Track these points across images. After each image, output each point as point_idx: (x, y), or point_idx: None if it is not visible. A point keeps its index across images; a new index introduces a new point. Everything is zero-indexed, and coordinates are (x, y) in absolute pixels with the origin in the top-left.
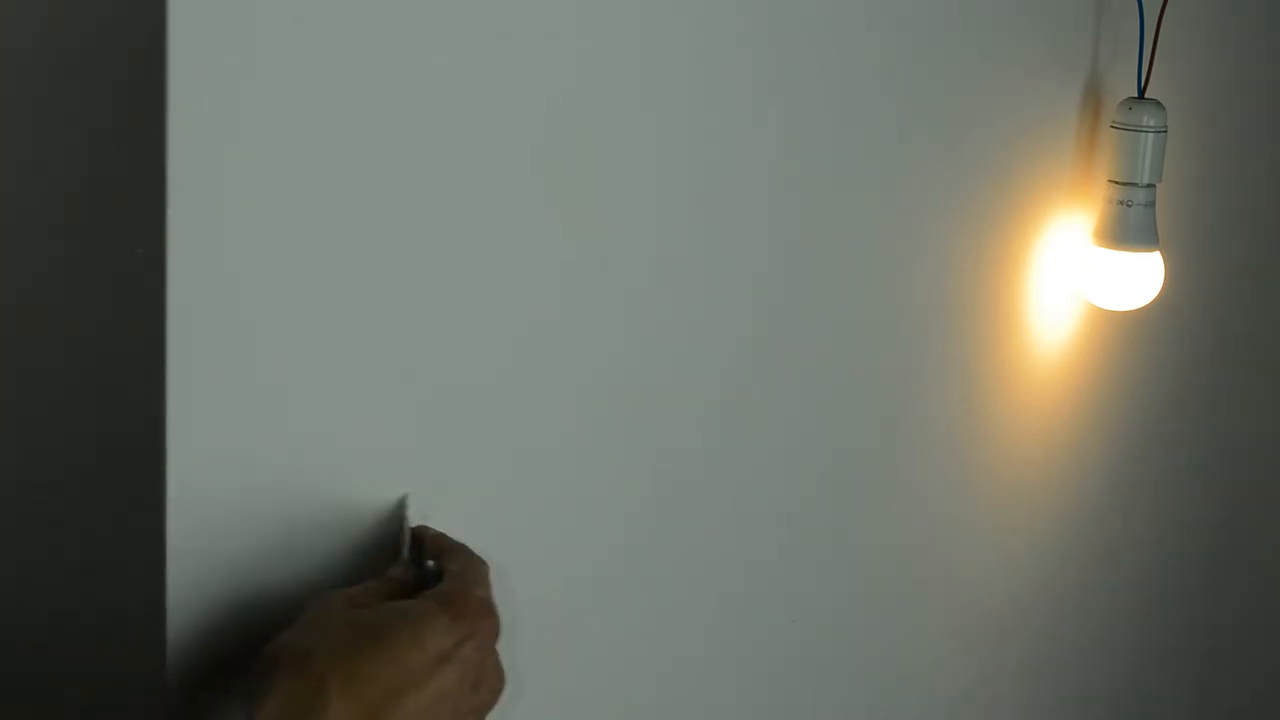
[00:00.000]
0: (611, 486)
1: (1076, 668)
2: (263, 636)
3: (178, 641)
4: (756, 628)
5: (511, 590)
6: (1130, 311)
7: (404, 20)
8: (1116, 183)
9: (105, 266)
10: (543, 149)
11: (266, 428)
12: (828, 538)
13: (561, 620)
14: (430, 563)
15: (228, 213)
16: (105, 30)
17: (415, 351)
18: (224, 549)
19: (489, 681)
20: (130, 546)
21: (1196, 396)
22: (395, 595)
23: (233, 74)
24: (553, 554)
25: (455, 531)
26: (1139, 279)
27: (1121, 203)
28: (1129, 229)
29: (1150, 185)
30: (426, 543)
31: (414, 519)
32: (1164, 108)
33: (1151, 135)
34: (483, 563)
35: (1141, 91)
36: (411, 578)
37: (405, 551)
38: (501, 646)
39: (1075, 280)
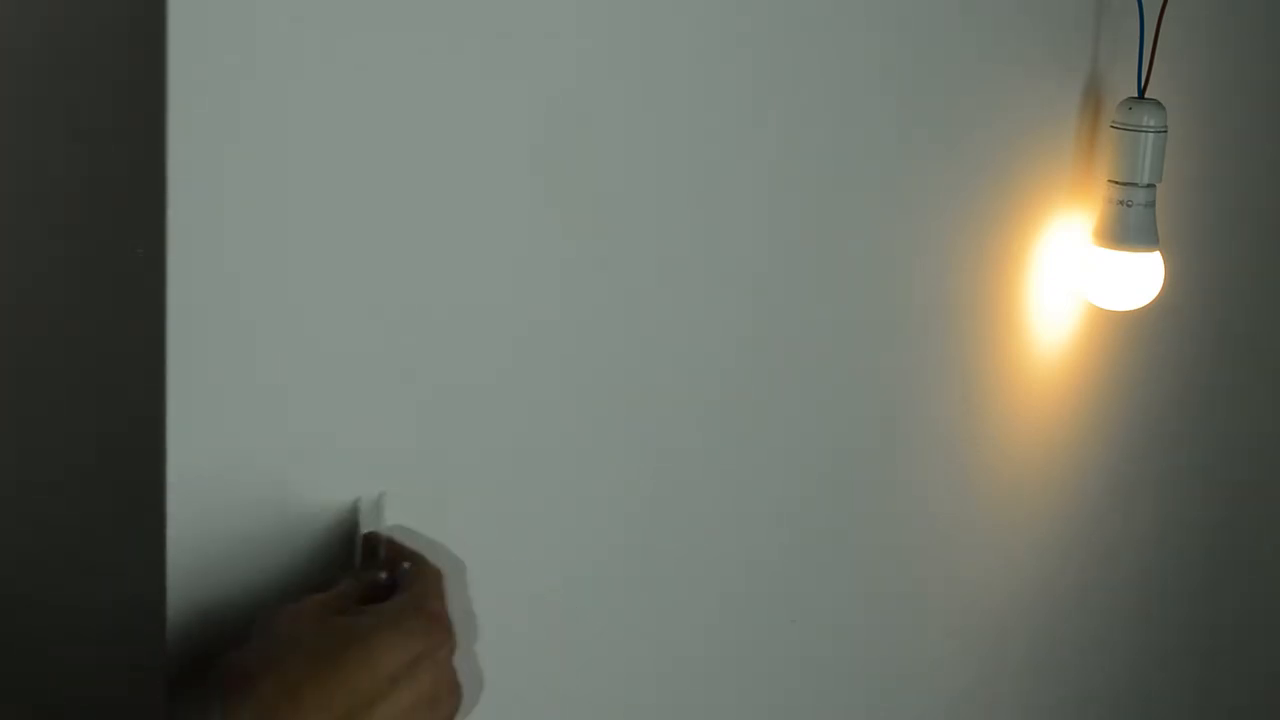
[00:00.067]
0: (611, 486)
1: (1076, 668)
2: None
3: (178, 641)
4: (756, 628)
5: (512, 590)
6: (1130, 311)
7: (404, 20)
8: (1116, 183)
9: (105, 266)
10: (543, 149)
11: (266, 428)
12: (828, 538)
13: (561, 620)
14: (383, 575)
15: (228, 213)
16: (105, 30)
17: (415, 351)
18: (224, 549)
19: (447, 698)
20: (130, 546)
21: (1196, 396)
22: (347, 609)
23: (233, 74)
24: (553, 554)
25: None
26: (1139, 279)
27: (1121, 203)
28: (1129, 229)
29: (1150, 185)
30: (381, 551)
31: (366, 524)
32: (1164, 108)
33: (1151, 135)
34: (439, 572)
35: (1141, 91)
36: (364, 590)
37: (357, 560)
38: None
39: (1075, 280)
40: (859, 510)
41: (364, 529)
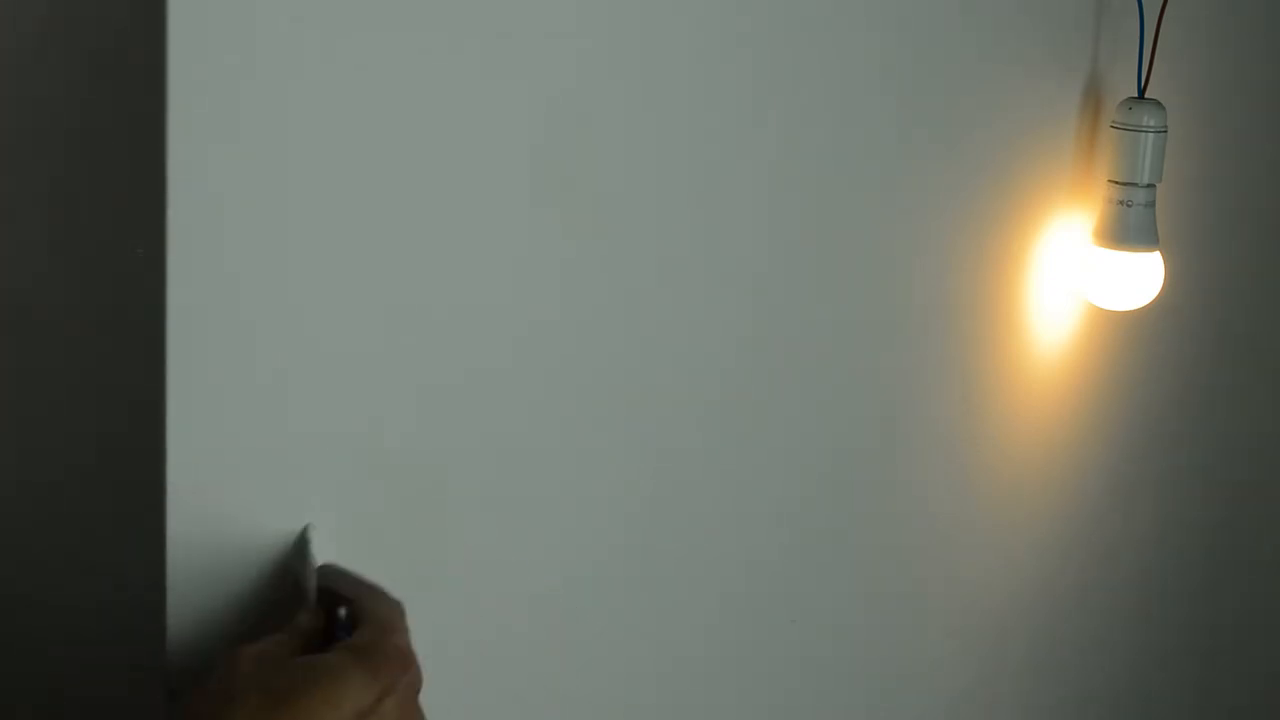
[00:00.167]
0: (611, 486)
1: (1076, 668)
2: (261, 637)
3: (178, 641)
4: (756, 628)
5: (512, 590)
6: (1130, 311)
7: (404, 20)
8: (1116, 183)
9: (105, 266)
10: (543, 149)
11: (266, 428)
12: (828, 538)
13: (561, 620)
14: (342, 611)
15: (228, 213)
16: (105, 30)
17: (415, 351)
18: (224, 548)
19: None
20: (130, 546)
21: (1196, 396)
22: (308, 648)
23: (233, 74)
24: (553, 554)
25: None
26: (1139, 279)
27: (1121, 203)
28: (1129, 229)
29: (1150, 185)
30: (336, 587)
31: (319, 554)
32: (1164, 108)
33: (1151, 135)
34: (397, 605)
35: (1141, 91)
36: (322, 626)
37: (311, 596)
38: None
39: (1075, 280)
40: (859, 510)
41: (314, 562)
